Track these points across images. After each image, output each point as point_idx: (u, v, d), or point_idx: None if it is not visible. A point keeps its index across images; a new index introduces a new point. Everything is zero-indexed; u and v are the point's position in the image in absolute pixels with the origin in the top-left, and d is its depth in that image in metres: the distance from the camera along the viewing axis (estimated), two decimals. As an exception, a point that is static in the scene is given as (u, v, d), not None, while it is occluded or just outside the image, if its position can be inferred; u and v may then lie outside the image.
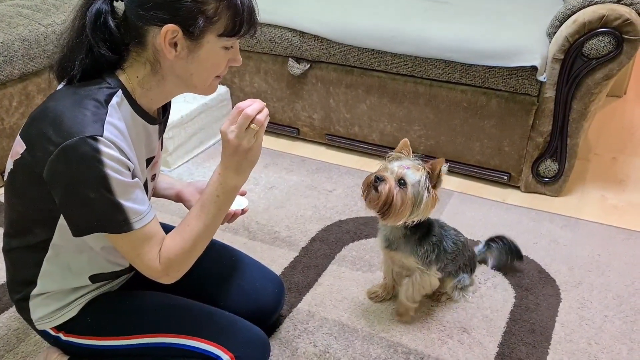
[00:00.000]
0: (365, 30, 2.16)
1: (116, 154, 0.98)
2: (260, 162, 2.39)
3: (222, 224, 1.21)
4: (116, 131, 1.00)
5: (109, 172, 0.97)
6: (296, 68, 2.36)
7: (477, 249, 1.74)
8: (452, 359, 1.44)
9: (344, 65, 2.28)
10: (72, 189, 0.98)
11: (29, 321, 1.22)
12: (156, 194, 1.40)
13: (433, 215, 1.45)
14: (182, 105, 2.36)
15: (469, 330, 1.53)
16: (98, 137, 0.96)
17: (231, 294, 1.39)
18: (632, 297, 1.65)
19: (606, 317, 1.58)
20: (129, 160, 1.02)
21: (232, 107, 2.59)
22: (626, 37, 1.79)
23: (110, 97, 1.02)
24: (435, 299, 1.62)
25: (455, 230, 1.56)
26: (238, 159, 1.08)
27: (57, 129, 0.97)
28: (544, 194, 2.16)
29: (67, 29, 1.05)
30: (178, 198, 1.40)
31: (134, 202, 1.02)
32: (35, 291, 1.18)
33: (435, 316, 1.58)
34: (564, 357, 1.45)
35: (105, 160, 0.96)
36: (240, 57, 1.12)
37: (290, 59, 2.37)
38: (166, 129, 2.23)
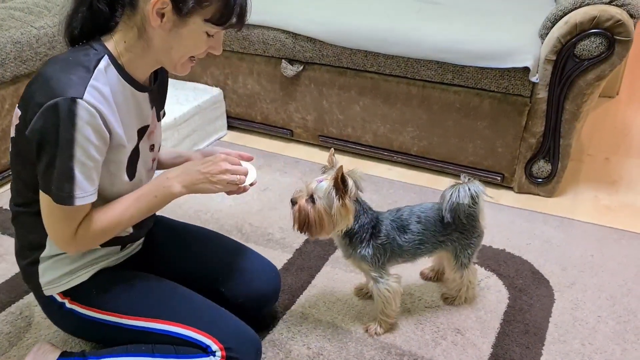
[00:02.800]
0: (358, 32, 2.16)
1: (93, 120, 1.02)
2: (254, 163, 2.38)
3: (230, 195, 1.27)
4: (99, 95, 1.04)
5: (78, 136, 1.02)
6: (289, 69, 2.35)
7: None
8: (446, 360, 1.44)
9: (337, 66, 2.28)
10: (43, 146, 1.03)
11: (37, 287, 1.26)
12: (165, 165, 1.42)
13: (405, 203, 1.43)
14: (175, 107, 2.35)
15: (462, 332, 1.53)
16: (77, 100, 1.00)
17: (232, 275, 1.43)
18: (625, 298, 1.65)
19: (600, 317, 1.58)
20: (108, 126, 1.06)
21: (225, 110, 2.60)
22: (618, 38, 1.80)
23: (97, 62, 1.07)
24: (438, 278, 1.64)
25: (413, 212, 1.46)
26: (201, 179, 1.18)
27: (44, 91, 1.02)
28: (537, 194, 2.16)
29: None
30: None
31: (86, 178, 1.06)
32: (44, 254, 1.22)
33: (428, 317, 1.57)
34: (557, 358, 1.45)
35: (78, 123, 1.01)
36: (221, 47, 1.17)
37: (283, 60, 2.36)
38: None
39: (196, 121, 2.43)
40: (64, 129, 1.01)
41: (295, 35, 2.28)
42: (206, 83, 2.61)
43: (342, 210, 1.33)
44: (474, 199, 1.45)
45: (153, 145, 1.29)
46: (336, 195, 1.31)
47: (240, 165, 1.24)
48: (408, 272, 1.73)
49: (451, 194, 1.44)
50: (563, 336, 1.52)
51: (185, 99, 2.44)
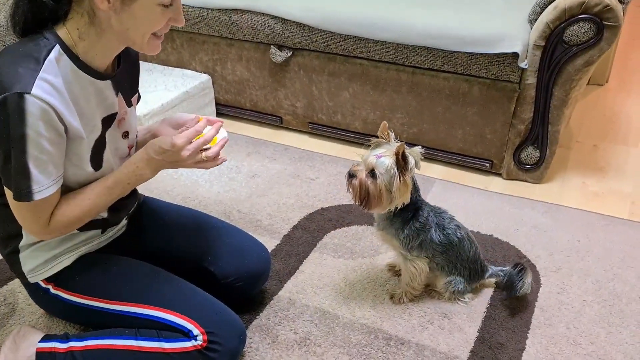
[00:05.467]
0: (347, 17, 2.14)
1: (44, 114, 0.99)
2: (243, 150, 2.39)
3: (208, 169, 1.24)
4: (50, 87, 1.01)
5: (29, 132, 0.99)
6: (278, 55, 2.34)
7: (498, 268, 1.60)
8: (433, 344, 1.45)
9: (327, 52, 2.26)
10: None
11: (21, 275, 1.27)
12: (140, 145, 1.38)
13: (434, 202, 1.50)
14: (163, 94, 2.33)
15: (449, 316, 1.53)
16: (25, 95, 0.97)
17: (222, 253, 1.43)
18: (610, 282, 1.66)
19: (585, 301, 1.59)
20: (62, 119, 1.03)
21: (214, 96, 2.59)
22: (606, 23, 1.80)
23: (48, 52, 1.03)
24: (427, 292, 1.60)
25: (458, 226, 1.51)
26: (167, 165, 1.16)
27: None
28: (526, 181, 2.16)
29: None
30: (153, 136, 1.37)
31: (41, 172, 1.04)
32: (22, 243, 1.22)
33: (416, 302, 1.58)
34: (543, 341, 1.46)
35: (28, 119, 0.98)
36: (182, 17, 1.11)
37: (272, 46, 2.34)
38: (147, 116, 2.21)
39: (184, 108, 2.41)
40: (14, 126, 0.98)
41: (284, 21, 2.26)
42: (194, 69, 2.59)
43: (401, 187, 1.34)
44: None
45: (127, 132, 1.25)
46: (397, 172, 1.32)
47: (195, 129, 1.17)
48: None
49: (521, 284, 1.51)
50: (549, 320, 1.53)
51: (173, 85, 2.42)
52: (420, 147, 1.39)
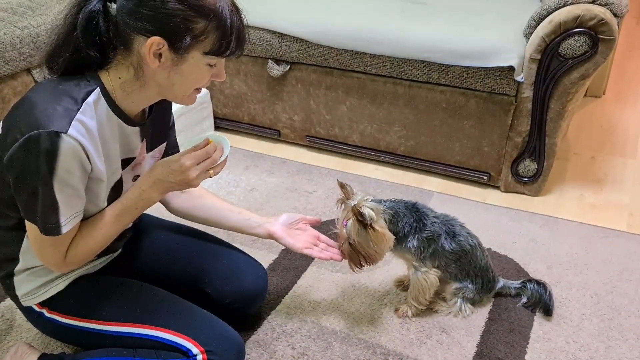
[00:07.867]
0: (344, 31, 2.15)
1: (76, 154, 1.00)
2: (240, 164, 2.39)
3: (212, 177, 1.23)
4: (84, 129, 1.02)
5: (59, 170, 1.00)
6: (276, 70, 2.35)
7: (510, 281, 1.62)
8: (431, 359, 1.44)
9: (324, 66, 2.28)
10: (23, 177, 1.01)
11: (15, 298, 1.26)
12: (244, 230, 1.44)
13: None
14: (161, 108, 2.34)
15: (447, 331, 1.53)
16: (61, 134, 0.98)
17: (218, 275, 1.42)
18: (609, 295, 1.66)
19: (584, 315, 1.59)
20: (90, 160, 1.04)
21: (212, 110, 2.59)
22: (601, 37, 1.81)
23: (87, 94, 1.04)
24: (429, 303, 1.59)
25: (469, 233, 1.51)
26: (176, 187, 1.16)
27: (27, 119, 0.99)
28: (524, 193, 2.17)
29: (58, 24, 1.06)
30: (270, 236, 1.43)
31: (67, 205, 1.05)
32: (18, 267, 1.21)
33: (414, 317, 1.57)
34: (542, 356, 1.45)
35: (61, 157, 0.99)
36: (224, 73, 1.14)
37: (269, 60, 2.36)
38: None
39: (183, 122, 2.41)
40: (45, 162, 0.98)
41: (281, 35, 2.28)
42: (193, 83, 2.60)
43: (379, 236, 1.35)
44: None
45: (138, 176, 1.26)
46: (365, 230, 1.33)
47: (205, 151, 1.17)
48: (395, 270, 1.73)
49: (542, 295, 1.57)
50: (547, 334, 1.52)
51: (171, 99, 2.43)
52: (363, 194, 1.39)
